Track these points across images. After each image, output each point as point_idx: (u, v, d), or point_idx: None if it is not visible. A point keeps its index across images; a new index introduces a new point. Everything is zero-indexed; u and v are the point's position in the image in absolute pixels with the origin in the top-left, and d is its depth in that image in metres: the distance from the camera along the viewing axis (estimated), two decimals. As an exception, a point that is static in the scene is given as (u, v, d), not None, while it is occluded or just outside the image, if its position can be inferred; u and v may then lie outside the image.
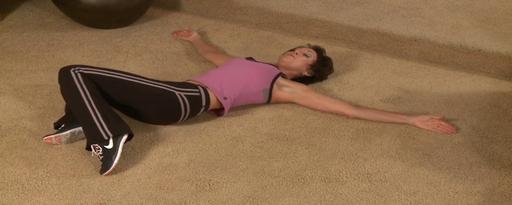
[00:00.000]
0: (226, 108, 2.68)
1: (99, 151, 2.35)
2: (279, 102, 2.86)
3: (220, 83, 2.69)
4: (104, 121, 2.36)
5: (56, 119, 2.69)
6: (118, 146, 2.36)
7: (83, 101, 2.38)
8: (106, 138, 2.34)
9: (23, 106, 2.80)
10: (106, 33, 3.63)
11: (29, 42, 3.48)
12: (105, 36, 3.58)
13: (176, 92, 2.56)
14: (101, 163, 2.37)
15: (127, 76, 2.53)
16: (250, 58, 2.97)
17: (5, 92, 2.92)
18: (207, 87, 2.66)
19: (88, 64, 3.22)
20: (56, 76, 3.08)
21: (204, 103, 2.63)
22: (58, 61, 3.26)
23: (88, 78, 2.44)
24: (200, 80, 2.71)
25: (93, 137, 2.35)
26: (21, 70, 3.14)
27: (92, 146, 2.36)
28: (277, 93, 2.81)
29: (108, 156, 2.34)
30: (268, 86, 2.79)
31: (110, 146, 2.35)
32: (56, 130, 2.54)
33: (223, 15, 3.90)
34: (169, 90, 2.55)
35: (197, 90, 2.62)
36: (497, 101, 2.98)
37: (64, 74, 2.43)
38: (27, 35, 3.57)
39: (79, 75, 2.42)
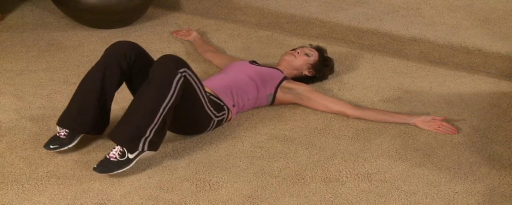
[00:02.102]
0: (233, 115, 2.68)
1: (118, 153, 2.31)
2: (282, 103, 2.86)
3: (231, 91, 2.67)
4: (153, 135, 2.29)
5: (56, 119, 2.68)
6: (136, 159, 2.34)
7: (158, 108, 2.25)
8: (140, 150, 2.31)
9: (23, 106, 2.80)
10: (106, 33, 3.63)
11: (29, 42, 3.48)
12: (105, 36, 3.58)
13: (214, 117, 2.54)
14: (104, 160, 2.31)
15: (202, 91, 2.42)
16: (253, 62, 2.96)
17: (5, 92, 2.92)
18: (224, 102, 2.62)
19: (88, 64, 3.22)
20: (56, 76, 3.08)
21: (223, 122, 2.65)
22: (58, 61, 3.26)
23: (184, 86, 2.30)
24: (208, 86, 2.67)
25: (130, 143, 2.28)
26: (21, 70, 3.14)
27: (117, 146, 2.31)
28: (281, 96, 2.81)
29: (122, 162, 2.31)
30: (273, 91, 2.79)
31: (132, 156, 2.32)
32: (56, 135, 2.47)
33: (223, 15, 3.90)
34: (210, 116, 2.51)
35: (224, 111, 2.60)
36: (497, 101, 2.98)
37: (169, 71, 2.25)
38: (27, 35, 3.57)
39: (181, 80, 2.27)
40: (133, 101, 2.30)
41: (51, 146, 2.42)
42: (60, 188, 2.26)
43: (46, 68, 3.17)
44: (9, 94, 2.90)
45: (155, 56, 3.34)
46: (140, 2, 3.61)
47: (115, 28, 3.69)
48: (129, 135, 2.27)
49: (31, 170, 2.36)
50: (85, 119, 2.43)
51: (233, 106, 2.66)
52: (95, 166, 2.30)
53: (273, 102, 2.83)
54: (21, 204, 2.18)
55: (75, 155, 2.45)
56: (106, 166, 2.30)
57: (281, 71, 2.88)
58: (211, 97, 2.60)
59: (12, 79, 3.05)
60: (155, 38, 3.58)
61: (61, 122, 2.45)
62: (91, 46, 3.45)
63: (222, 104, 2.61)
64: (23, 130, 2.61)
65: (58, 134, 2.45)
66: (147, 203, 2.20)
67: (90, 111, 2.43)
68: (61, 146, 2.43)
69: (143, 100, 2.27)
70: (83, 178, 2.32)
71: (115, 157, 2.30)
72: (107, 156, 2.31)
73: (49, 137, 2.55)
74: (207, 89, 2.65)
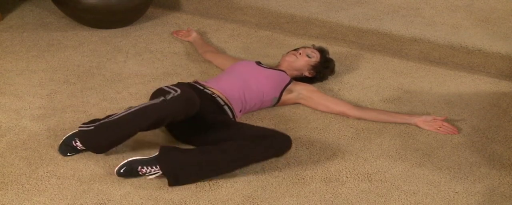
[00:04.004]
0: (237, 118, 2.67)
1: (151, 170, 2.29)
2: (284, 104, 2.85)
3: (242, 97, 2.65)
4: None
5: (56, 119, 2.68)
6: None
7: (233, 170, 2.32)
8: (173, 184, 2.28)
9: (23, 106, 2.80)
10: (106, 33, 3.63)
11: (29, 42, 3.48)
12: (105, 36, 3.58)
13: None
14: (134, 171, 2.29)
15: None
16: (258, 63, 2.92)
17: (5, 92, 2.92)
18: (231, 105, 2.60)
19: (88, 64, 3.22)
20: (56, 76, 3.08)
21: None
22: (58, 61, 3.26)
23: None
24: (222, 91, 2.62)
25: (176, 179, 2.27)
26: (21, 70, 3.14)
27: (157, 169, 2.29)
28: (285, 97, 2.81)
29: (143, 175, 2.31)
30: (278, 95, 2.79)
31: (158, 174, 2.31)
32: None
33: (223, 15, 3.90)
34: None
35: (232, 114, 2.59)
36: (497, 101, 2.98)
37: (286, 151, 2.38)
38: (27, 35, 3.57)
39: None
40: (215, 148, 2.28)
41: (68, 154, 2.43)
42: (60, 188, 2.26)
43: (46, 68, 3.17)
44: (9, 94, 2.90)
45: (155, 55, 3.35)
46: (140, 2, 3.61)
47: (115, 28, 3.68)
48: (182, 172, 2.26)
49: (31, 170, 2.36)
50: (111, 147, 2.39)
51: (240, 111, 2.66)
52: (122, 171, 2.28)
53: (276, 103, 2.82)
54: (21, 204, 2.18)
55: (75, 155, 2.44)
56: (130, 171, 2.28)
57: (286, 73, 2.87)
58: (225, 107, 2.56)
59: (12, 79, 3.05)
60: (155, 38, 3.58)
61: (89, 146, 2.37)
62: (91, 46, 3.45)
63: (232, 114, 2.59)
64: (23, 130, 2.61)
65: (76, 146, 2.40)
66: (147, 203, 2.20)
67: (120, 141, 2.37)
68: (77, 153, 2.44)
69: (237, 157, 2.29)
70: (83, 178, 2.32)
71: (144, 172, 2.29)
72: (139, 172, 2.28)
73: (49, 137, 2.55)
74: (218, 93, 2.61)
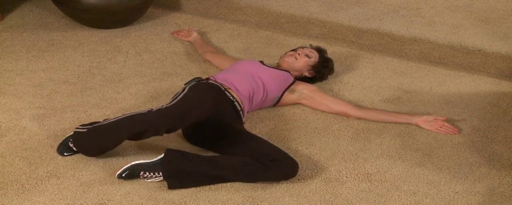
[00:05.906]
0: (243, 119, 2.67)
1: (153, 176, 2.28)
2: (285, 105, 2.85)
3: (251, 98, 2.64)
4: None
5: (56, 119, 2.68)
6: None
7: (230, 180, 2.31)
8: (172, 187, 2.28)
9: (23, 106, 2.80)
10: (106, 33, 3.63)
11: (29, 42, 3.48)
12: (105, 36, 3.58)
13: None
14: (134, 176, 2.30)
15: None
16: (261, 62, 2.90)
17: (5, 92, 2.92)
18: (243, 107, 2.59)
19: (88, 64, 3.22)
20: (56, 76, 3.08)
21: None
22: (58, 61, 3.26)
23: None
24: (235, 90, 2.60)
25: (175, 182, 2.27)
26: (21, 70, 3.14)
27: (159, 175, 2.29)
28: (287, 98, 2.81)
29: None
30: (280, 94, 2.79)
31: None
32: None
33: (223, 15, 3.90)
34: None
35: (243, 118, 2.59)
36: (497, 101, 2.98)
37: (293, 175, 2.34)
38: (27, 35, 3.57)
39: None
40: (218, 158, 2.32)
41: (65, 154, 2.43)
42: (60, 188, 2.26)
43: (46, 68, 3.17)
44: (9, 94, 2.90)
45: (155, 55, 3.34)
46: (140, 2, 3.61)
47: (115, 28, 3.68)
48: (184, 179, 2.27)
49: (31, 170, 2.36)
50: (100, 152, 2.39)
51: (247, 112, 2.66)
52: (123, 175, 2.28)
53: (277, 103, 2.82)
54: (21, 204, 2.18)
55: (75, 155, 2.44)
56: (132, 175, 2.29)
57: (290, 73, 2.86)
58: (240, 112, 2.56)
59: (12, 79, 3.05)
60: (155, 38, 3.58)
61: (80, 149, 2.39)
62: (91, 46, 3.45)
63: (243, 118, 2.59)
64: (23, 130, 2.61)
65: (72, 147, 2.41)
66: (147, 203, 2.20)
67: (108, 147, 2.36)
68: (74, 153, 2.44)
69: (239, 171, 2.29)
70: (83, 178, 2.32)
71: (146, 176, 2.30)
72: (140, 176, 2.29)
73: (49, 137, 2.55)
74: (236, 96, 2.59)
